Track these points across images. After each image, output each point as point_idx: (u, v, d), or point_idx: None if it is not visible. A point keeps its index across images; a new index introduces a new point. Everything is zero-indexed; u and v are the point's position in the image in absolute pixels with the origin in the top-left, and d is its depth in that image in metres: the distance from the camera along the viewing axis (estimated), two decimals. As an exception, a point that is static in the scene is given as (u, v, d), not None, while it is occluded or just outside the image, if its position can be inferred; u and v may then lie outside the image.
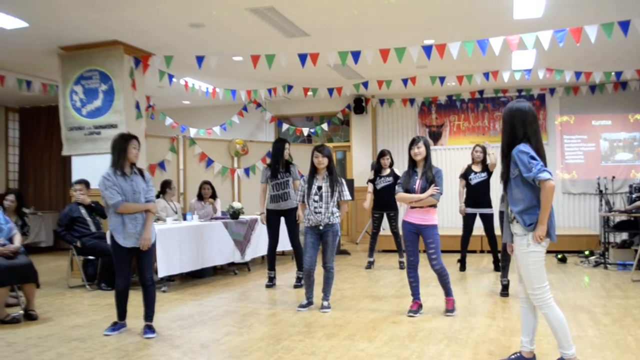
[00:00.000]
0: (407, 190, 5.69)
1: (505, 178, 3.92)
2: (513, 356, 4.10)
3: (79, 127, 8.61)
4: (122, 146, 5.13)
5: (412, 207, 5.70)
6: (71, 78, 8.66)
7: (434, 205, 5.69)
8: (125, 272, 5.23)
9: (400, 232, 5.85)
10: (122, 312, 5.33)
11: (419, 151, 5.66)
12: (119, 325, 5.32)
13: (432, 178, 5.61)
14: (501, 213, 6.63)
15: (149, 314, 5.24)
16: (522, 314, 4.06)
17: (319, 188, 6.08)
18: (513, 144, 3.86)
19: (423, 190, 5.62)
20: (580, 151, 12.11)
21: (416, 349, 4.58)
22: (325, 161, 6.09)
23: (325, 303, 6.11)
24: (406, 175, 5.78)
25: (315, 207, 6.05)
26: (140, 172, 5.29)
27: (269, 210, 7.62)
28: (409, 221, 5.74)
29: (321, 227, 6.07)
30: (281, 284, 7.74)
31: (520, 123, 3.87)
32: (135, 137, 5.27)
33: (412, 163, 5.77)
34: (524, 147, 3.79)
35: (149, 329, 5.17)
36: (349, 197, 6.21)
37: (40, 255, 11.14)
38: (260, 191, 7.74)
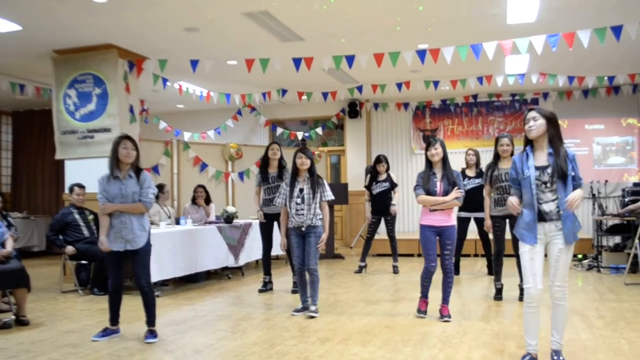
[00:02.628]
0: (428, 193, 5.68)
1: (564, 175, 3.98)
2: (525, 359, 4.17)
3: (73, 131, 8.59)
4: (113, 148, 5.11)
5: (433, 210, 5.69)
6: (65, 82, 8.64)
7: (451, 207, 5.69)
8: (114, 274, 5.21)
9: (417, 237, 5.79)
10: (113, 316, 5.29)
11: (437, 152, 5.64)
12: (109, 331, 5.26)
13: (454, 180, 5.62)
14: (494, 218, 6.66)
15: (149, 319, 5.20)
16: (533, 317, 4.14)
17: (301, 190, 6.08)
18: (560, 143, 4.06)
19: (445, 192, 5.61)
20: (574, 155, 12.12)
21: (410, 353, 4.58)
22: (307, 162, 6.10)
23: (313, 308, 6.07)
24: (424, 176, 5.74)
25: (297, 209, 6.05)
26: (137, 173, 5.18)
27: (263, 214, 7.60)
28: (430, 225, 5.70)
29: (303, 229, 6.06)
30: (276, 288, 7.72)
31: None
32: (128, 137, 5.17)
33: (429, 164, 5.75)
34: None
35: (151, 333, 5.14)
36: (331, 197, 6.21)
37: (33, 260, 11.08)
38: (254, 194, 7.73)
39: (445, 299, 5.81)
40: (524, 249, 4.14)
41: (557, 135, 4.04)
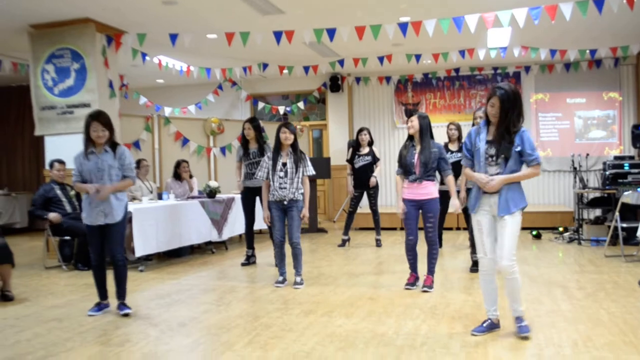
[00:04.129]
0: (405, 164, 5.71)
1: (508, 154, 4.06)
2: (485, 324, 4.34)
3: (51, 107, 8.48)
4: (85, 127, 5.05)
5: (411, 182, 5.71)
6: (42, 57, 8.50)
7: (431, 180, 5.72)
8: (95, 248, 5.22)
9: (397, 213, 5.83)
10: (101, 290, 5.30)
11: (411, 124, 5.71)
12: (102, 305, 5.28)
13: (433, 155, 5.65)
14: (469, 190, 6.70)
15: (119, 293, 5.22)
16: (487, 286, 4.32)
17: (284, 164, 6.11)
18: (518, 123, 4.08)
19: (422, 164, 5.64)
20: (555, 129, 12.23)
21: (393, 324, 4.62)
22: (291, 137, 6.13)
23: (298, 279, 6.18)
24: (404, 148, 5.81)
25: (280, 183, 6.08)
26: (113, 148, 5.12)
27: (245, 188, 7.59)
28: (410, 198, 5.74)
29: (285, 202, 6.10)
30: (259, 262, 7.75)
31: (521, 106, 4.11)
32: (97, 118, 5.02)
33: (411, 137, 5.81)
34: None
35: (123, 305, 5.17)
36: (313, 172, 6.27)
37: (15, 237, 11.02)
38: (235, 169, 7.73)
39: (430, 270, 5.88)
40: (473, 219, 4.30)
41: (514, 117, 4.05)
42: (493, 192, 4.14)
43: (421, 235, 5.81)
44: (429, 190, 5.73)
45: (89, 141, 5.08)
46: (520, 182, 4.18)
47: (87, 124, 5.05)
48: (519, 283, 4.19)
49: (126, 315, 5.07)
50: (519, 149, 4.05)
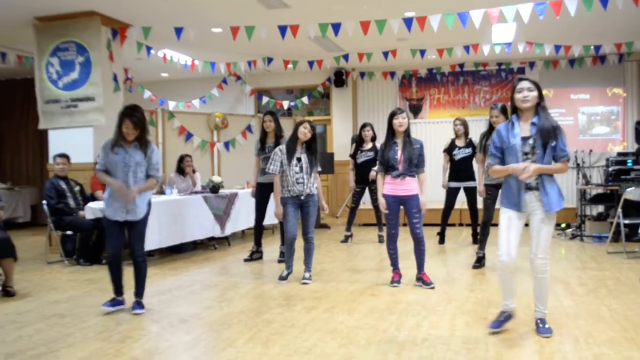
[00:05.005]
0: (387, 161, 5.70)
1: (545, 143, 4.05)
2: (502, 317, 4.31)
3: (56, 100, 8.49)
4: (118, 120, 4.97)
5: (396, 177, 5.70)
6: (47, 50, 8.51)
7: (413, 176, 5.73)
8: (113, 242, 5.09)
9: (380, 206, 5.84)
10: (116, 286, 5.19)
11: (404, 122, 5.69)
12: (117, 301, 5.18)
13: (415, 151, 5.69)
14: (487, 186, 6.69)
15: (138, 290, 5.15)
16: (507, 281, 4.28)
17: (299, 159, 6.12)
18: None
19: (406, 160, 5.65)
20: (559, 125, 12.17)
21: (395, 320, 4.63)
22: (310, 134, 6.14)
23: (307, 274, 6.19)
24: (384, 146, 5.80)
25: (297, 178, 6.09)
26: (144, 145, 5.01)
27: (259, 183, 7.49)
28: (391, 194, 5.74)
29: (302, 197, 6.12)
30: (263, 258, 7.73)
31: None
32: (129, 116, 4.92)
33: (391, 134, 5.78)
34: None
35: (138, 304, 5.10)
36: (319, 168, 6.32)
37: (18, 231, 11.01)
38: (254, 164, 7.57)
39: (421, 267, 5.88)
40: (503, 215, 4.23)
41: (544, 106, 4.08)
42: (532, 189, 4.10)
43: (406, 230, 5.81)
44: (411, 186, 5.74)
45: (120, 134, 4.96)
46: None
47: (120, 119, 4.95)
48: (548, 283, 4.22)
49: (137, 314, 5.00)
50: (553, 143, 4.02)
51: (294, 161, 6.12)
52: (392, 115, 5.74)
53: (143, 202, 5.09)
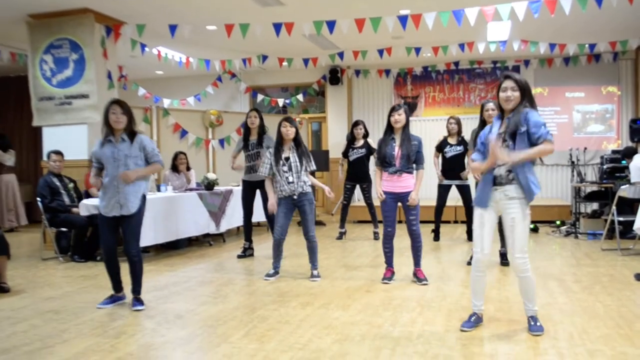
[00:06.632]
0: (384, 157, 5.69)
1: (513, 133, 3.95)
2: (472, 318, 4.32)
3: (50, 97, 8.47)
4: (104, 113, 5.00)
5: (392, 173, 5.70)
6: (41, 47, 8.48)
7: (410, 173, 5.72)
8: (106, 238, 5.09)
9: (376, 204, 5.84)
10: (114, 282, 5.19)
11: (400, 118, 5.67)
12: (115, 297, 5.20)
13: (413, 147, 5.67)
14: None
15: (135, 288, 5.13)
16: (479, 281, 4.29)
17: (286, 159, 6.10)
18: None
19: (404, 157, 5.64)
20: (554, 123, 12.21)
21: (389, 317, 4.63)
22: (293, 131, 6.13)
23: (315, 272, 6.19)
24: (383, 141, 5.79)
25: (286, 178, 6.07)
26: (131, 137, 5.02)
27: (244, 181, 7.57)
28: (389, 191, 5.73)
29: (295, 197, 6.09)
30: (256, 254, 7.76)
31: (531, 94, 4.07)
32: (117, 102, 5.00)
33: (390, 130, 5.76)
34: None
35: (137, 301, 5.09)
36: (314, 167, 6.29)
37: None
38: (230, 158, 7.73)
39: (417, 263, 5.89)
40: (476, 213, 4.25)
41: (525, 105, 3.99)
42: (503, 184, 4.04)
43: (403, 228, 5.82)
44: (409, 183, 5.73)
45: (107, 129, 4.99)
46: (533, 168, 4.06)
47: (107, 108, 4.99)
48: (532, 282, 4.15)
49: (137, 311, 4.98)
50: (523, 129, 3.89)
51: (282, 161, 6.11)
52: (391, 111, 5.74)
53: (135, 195, 5.04)
